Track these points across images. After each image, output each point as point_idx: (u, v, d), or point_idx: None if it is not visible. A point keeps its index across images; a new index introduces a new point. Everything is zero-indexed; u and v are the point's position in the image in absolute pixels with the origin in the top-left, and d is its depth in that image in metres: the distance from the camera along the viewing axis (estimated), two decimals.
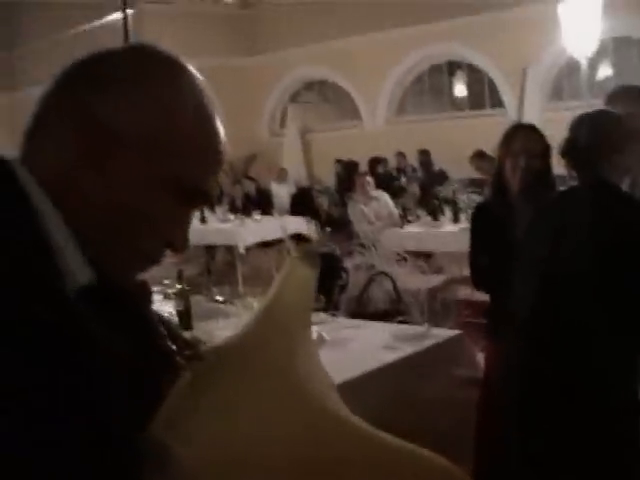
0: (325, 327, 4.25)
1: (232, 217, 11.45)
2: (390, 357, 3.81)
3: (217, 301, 5.02)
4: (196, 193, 1.04)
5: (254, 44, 18.00)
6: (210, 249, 11.74)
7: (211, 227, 11.29)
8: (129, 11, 17.02)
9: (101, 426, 0.88)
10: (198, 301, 4.90)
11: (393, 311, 5.50)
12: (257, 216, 11.35)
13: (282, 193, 14.91)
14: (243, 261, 10.66)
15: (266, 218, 11.58)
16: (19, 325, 0.83)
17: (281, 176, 15.41)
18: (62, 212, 0.96)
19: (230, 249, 11.27)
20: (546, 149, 3.51)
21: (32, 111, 1.01)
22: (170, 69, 1.03)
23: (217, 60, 16.94)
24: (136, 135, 0.98)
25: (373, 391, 3.60)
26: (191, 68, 1.05)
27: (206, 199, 1.08)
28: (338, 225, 12.42)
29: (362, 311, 5.71)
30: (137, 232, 1.00)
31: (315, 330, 4.05)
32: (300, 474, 1.04)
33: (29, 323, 0.84)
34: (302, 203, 13.84)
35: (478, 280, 3.77)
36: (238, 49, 17.98)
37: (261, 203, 13.10)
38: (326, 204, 14.74)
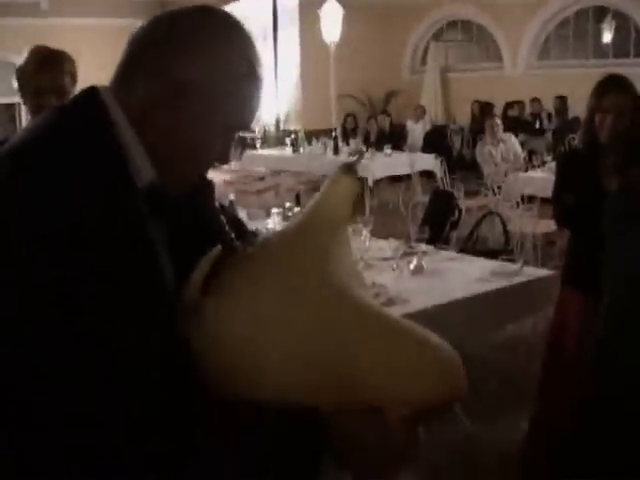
0: (427, 258, 4.49)
1: (364, 150, 11.72)
2: (480, 289, 4.03)
3: None
4: (241, 129, 1.36)
5: None
6: None
7: (343, 159, 11.63)
8: None
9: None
10: None
11: (501, 251, 5.63)
12: (388, 150, 11.55)
13: (417, 130, 15.03)
14: (371, 194, 10.93)
15: (397, 153, 11.80)
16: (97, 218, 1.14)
17: (418, 113, 15.49)
18: (138, 135, 1.26)
19: (360, 181, 11.51)
20: (637, 105, 3.49)
21: (125, 47, 1.31)
22: (229, 30, 1.30)
23: None
24: (201, 86, 1.26)
25: (459, 320, 3.81)
26: (245, 27, 1.33)
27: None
28: (469, 165, 12.48)
29: (471, 248, 5.90)
30: (194, 157, 1.31)
31: (415, 259, 4.33)
32: (310, 356, 1.23)
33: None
34: (435, 141, 13.94)
35: (561, 217, 3.86)
36: None
37: (394, 138, 13.28)
38: (459, 144, 14.79)
